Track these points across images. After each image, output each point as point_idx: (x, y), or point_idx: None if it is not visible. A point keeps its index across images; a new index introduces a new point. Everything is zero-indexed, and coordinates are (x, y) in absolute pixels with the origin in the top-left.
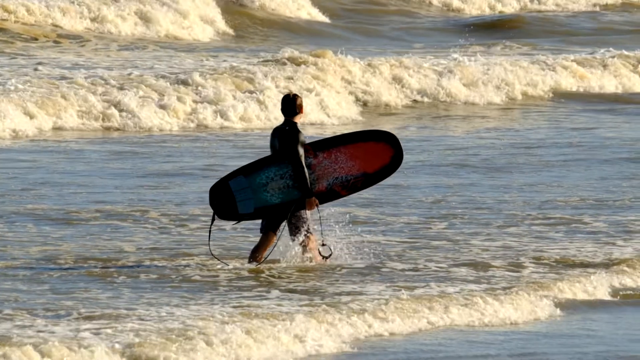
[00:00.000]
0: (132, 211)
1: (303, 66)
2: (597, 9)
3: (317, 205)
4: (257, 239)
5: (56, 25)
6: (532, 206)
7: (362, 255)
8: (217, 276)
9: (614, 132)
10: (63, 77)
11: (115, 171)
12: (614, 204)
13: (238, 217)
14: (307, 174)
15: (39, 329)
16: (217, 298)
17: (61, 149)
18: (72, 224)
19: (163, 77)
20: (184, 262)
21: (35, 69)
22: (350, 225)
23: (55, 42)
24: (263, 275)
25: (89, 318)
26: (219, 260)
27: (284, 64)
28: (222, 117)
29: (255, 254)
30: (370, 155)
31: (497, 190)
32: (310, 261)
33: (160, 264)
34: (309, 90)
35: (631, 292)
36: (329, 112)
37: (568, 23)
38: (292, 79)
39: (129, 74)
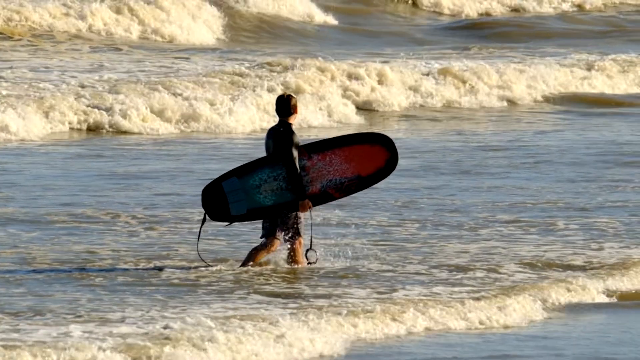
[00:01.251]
0: (102, 214)
1: (297, 68)
2: (576, 10)
3: (310, 208)
4: (229, 242)
5: (34, 27)
6: (501, 209)
7: (340, 258)
8: (197, 280)
9: (581, 135)
10: (42, 80)
11: (83, 173)
12: (585, 206)
13: (230, 219)
14: (300, 176)
15: (28, 332)
16: (199, 301)
17: (27, 152)
18: (42, 227)
19: (153, 78)
20: (161, 265)
21: (11, 72)
22: (329, 227)
23: (29, 41)
24: (243, 277)
25: (75, 322)
26: (205, 262)
27: (276, 66)
28: (215, 118)
29: (252, 256)
30: (365, 158)
31: (466, 192)
32: (296, 264)
33: (137, 267)
34: (311, 94)
35: (612, 294)
36: (326, 114)
37: (544, 25)
38: (285, 81)
39: (101, 76)
